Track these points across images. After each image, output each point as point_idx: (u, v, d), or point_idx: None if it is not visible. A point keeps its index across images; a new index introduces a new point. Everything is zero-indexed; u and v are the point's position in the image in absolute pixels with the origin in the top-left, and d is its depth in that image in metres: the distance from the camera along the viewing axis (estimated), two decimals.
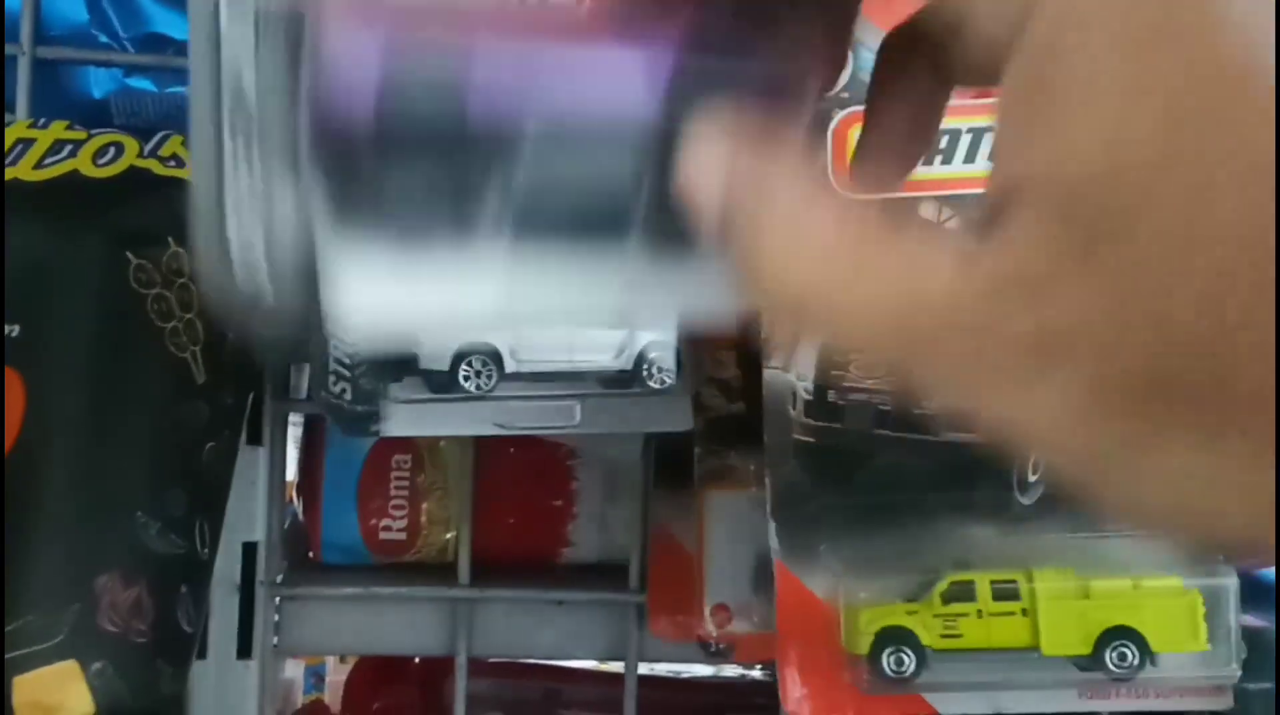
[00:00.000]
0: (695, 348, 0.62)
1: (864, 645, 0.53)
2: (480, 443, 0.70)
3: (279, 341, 0.57)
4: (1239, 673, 0.53)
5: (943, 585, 0.53)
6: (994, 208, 0.23)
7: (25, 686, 0.47)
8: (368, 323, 0.30)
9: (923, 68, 0.26)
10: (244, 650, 0.66)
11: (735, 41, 0.30)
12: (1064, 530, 0.53)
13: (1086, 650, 0.52)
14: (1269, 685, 0.58)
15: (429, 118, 0.29)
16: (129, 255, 0.53)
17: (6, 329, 0.51)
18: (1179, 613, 0.52)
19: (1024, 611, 0.53)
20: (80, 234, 0.53)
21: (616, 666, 0.92)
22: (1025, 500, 0.53)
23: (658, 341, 0.61)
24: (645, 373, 0.60)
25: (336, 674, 1.21)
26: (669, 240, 0.29)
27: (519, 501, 0.73)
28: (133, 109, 0.70)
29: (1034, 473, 0.53)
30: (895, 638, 0.53)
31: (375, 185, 0.30)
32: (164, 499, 0.52)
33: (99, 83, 0.70)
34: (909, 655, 0.53)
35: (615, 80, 0.30)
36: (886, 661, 0.53)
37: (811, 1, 0.30)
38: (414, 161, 0.30)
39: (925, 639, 0.53)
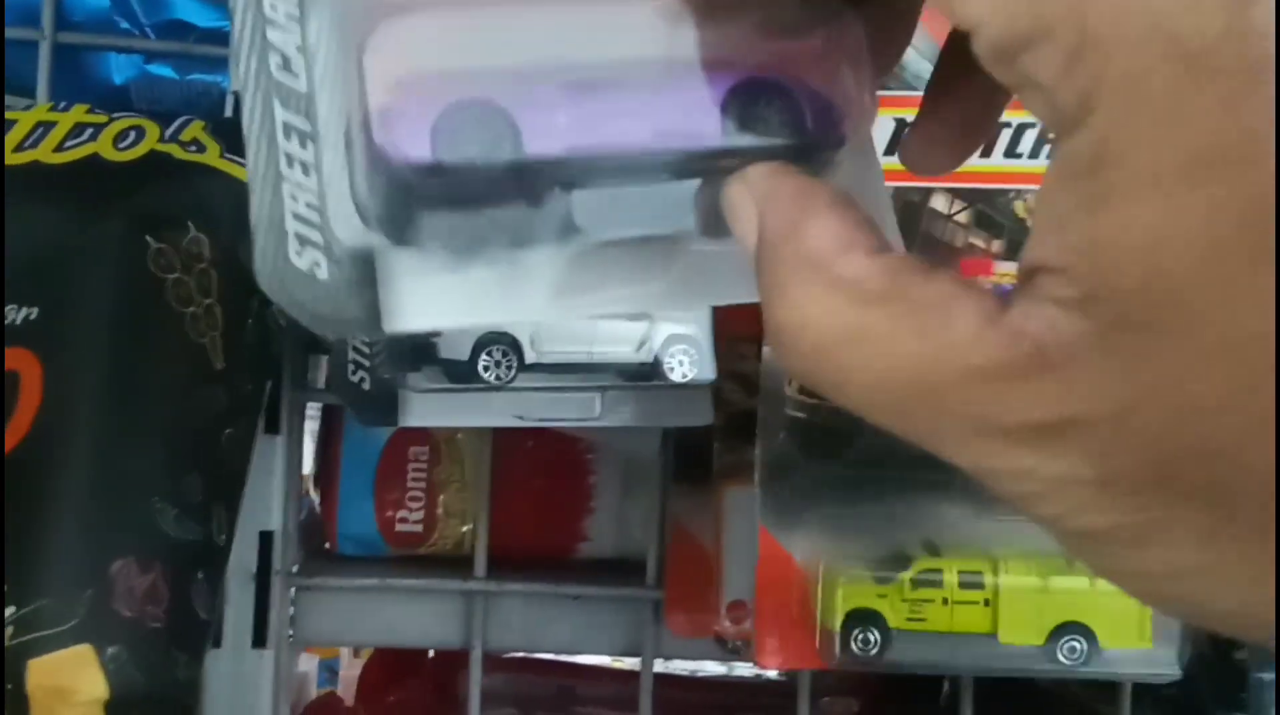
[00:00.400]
0: (716, 342, 0.62)
1: (836, 622, 0.56)
2: (498, 435, 0.69)
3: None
4: (1179, 672, 0.56)
5: (913, 572, 0.56)
6: (1026, 275, 0.23)
7: (40, 669, 0.47)
8: (423, 327, 0.31)
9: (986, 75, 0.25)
10: (259, 640, 0.65)
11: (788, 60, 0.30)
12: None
13: (1040, 641, 0.56)
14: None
15: (482, 157, 0.30)
16: (149, 239, 0.52)
17: (25, 311, 0.50)
18: (1128, 612, 0.56)
19: (986, 601, 0.56)
20: (100, 217, 0.52)
21: (630, 664, 0.92)
22: None
23: (679, 334, 0.61)
24: (666, 366, 0.60)
25: (350, 669, 1.21)
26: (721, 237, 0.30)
27: (536, 495, 0.72)
28: (153, 95, 0.70)
29: None
30: (865, 618, 0.56)
31: (430, 210, 0.31)
32: (181, 484, 0.51)
33: (120, 69, 0.70)
34: (875, 635, 0.56)
35: (673, 104, 0.30)
36: (855, 640, 0.56)
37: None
38: (468, 192, 0.31)
39: (892, 620, 0.56)
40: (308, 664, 1.05)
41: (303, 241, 0.32)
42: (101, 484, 0.49)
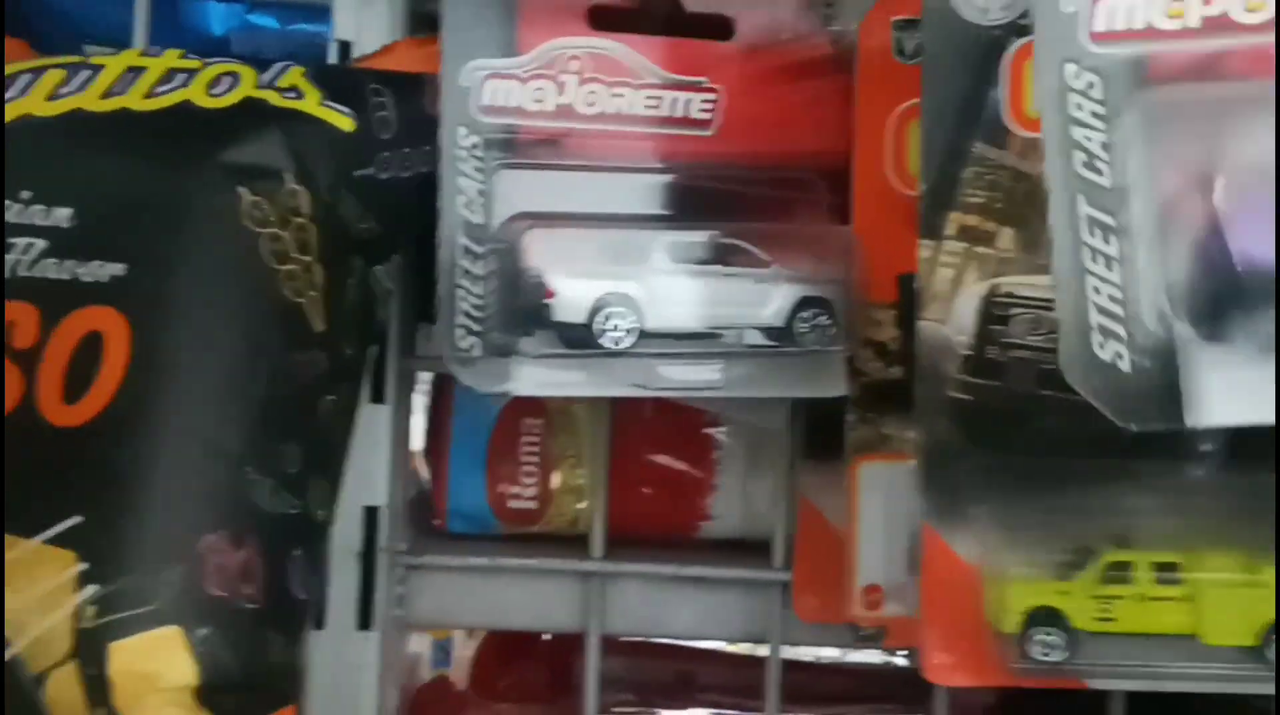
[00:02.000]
0: (851, 306, 0.57)
1: (1012, 624, 0.50)
2: (616, 407, 0.65)
3: None
4: None
5: (1100, 565, 0.50)
6: None
7: (123, 653, 0.43)
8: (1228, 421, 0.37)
9: None
10: (364, 621, 0.62)
11: None
12: (1238, 508, 0.49)
13: (1252, 641, 0.49)
14: None
15: None
16: (242, 191, 0.49)
17: (111, 268, 0.47)
18: None
19: (1186, 597, 0.49)
20: (191, 168, 0.49)
21: (747, 649, 0.88)
22: (1199, 471, 0.49)
23: (811, 297, 0.56)
24: (797, 331, 0.55)
25: (464, 649, 1.19)
26: None
27: (655, 471, 0.68)
28: (254, 46, 0.66)
29: (1209, 442, 0.48)
30: (1045, 618, 0.50)
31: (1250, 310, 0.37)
32: (276, 454, 0.48)
33: (220, 18, 0.66)
34: (1060, 638, 0.50)
35: None
36: (1034, 644, 0.50)
37: None
38: None
39: (1077, 620, 0.50)
40: (420, 645, 1.02)
41: (1106, 333, 0.36)
42: (191, 453, 0.46)
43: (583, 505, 0.68)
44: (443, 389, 0.69)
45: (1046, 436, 0.49)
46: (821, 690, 0.84)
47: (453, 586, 0.67)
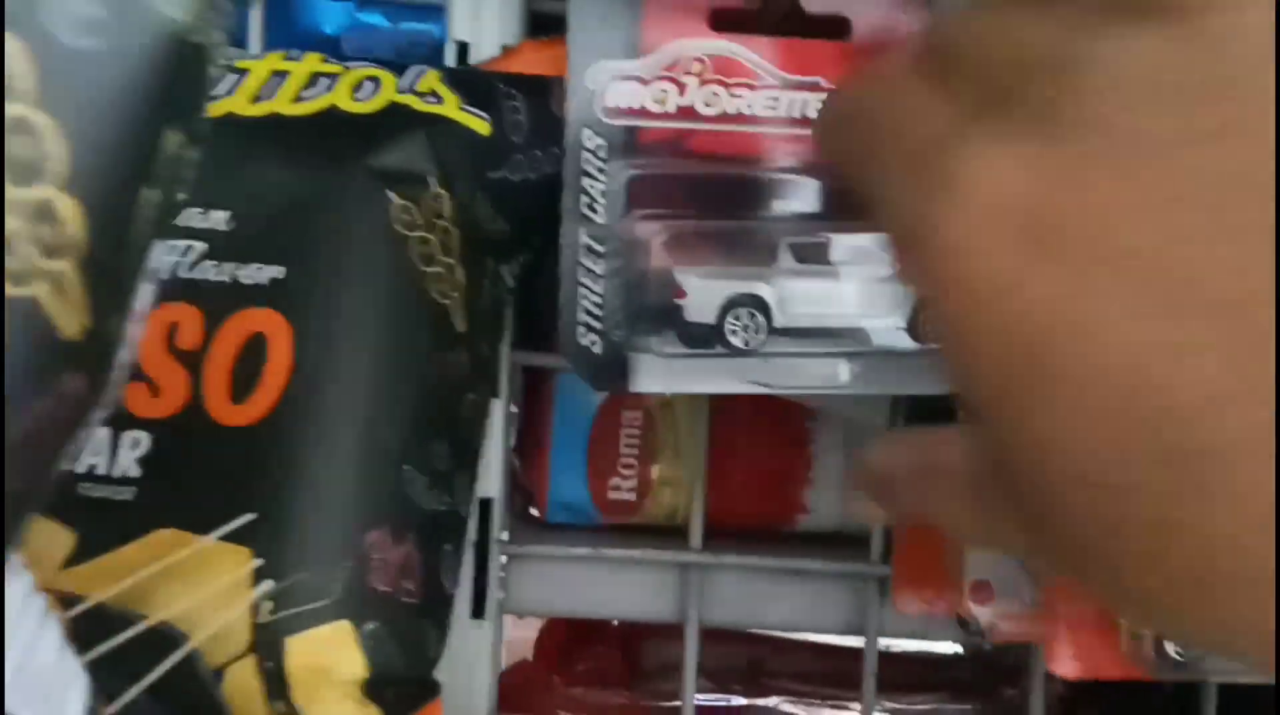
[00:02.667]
0: None
1: None
2: (714, 401, 0.66)
3: None
4: None
5: None
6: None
7: (299, 647, 0.44)
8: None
9: None
10: (478, 610, 0.63)
11: None
12: None
13: None
14: None
15: None
16: (392, 195, 0.50)
17: (271, 271, 0.48)
18: None
19: None
20: (342, 171, 0.50)
21: (819, 638, 0.89)
22: None
23: None
24: (922, 329, 0.56)
25: (517, 629, 1.20)
26: None
27: (753, 464, 0.69)
28: (364, 44, 0.67)
29: None
30: None
31: None
32: (429, 452, 0.49)
33: (330, 17, 0.67)
34: None
35: None
36: (1172, 645, 0.51)
37: None
38: None
39: None
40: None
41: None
42: (355, 451, 0.47)
43: (681, 497, 0.69)
44: (540, 383, 0.71)
45: None
46: (894, 679, 0.85)
47: (553, 576, 0.68)
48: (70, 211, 0.25)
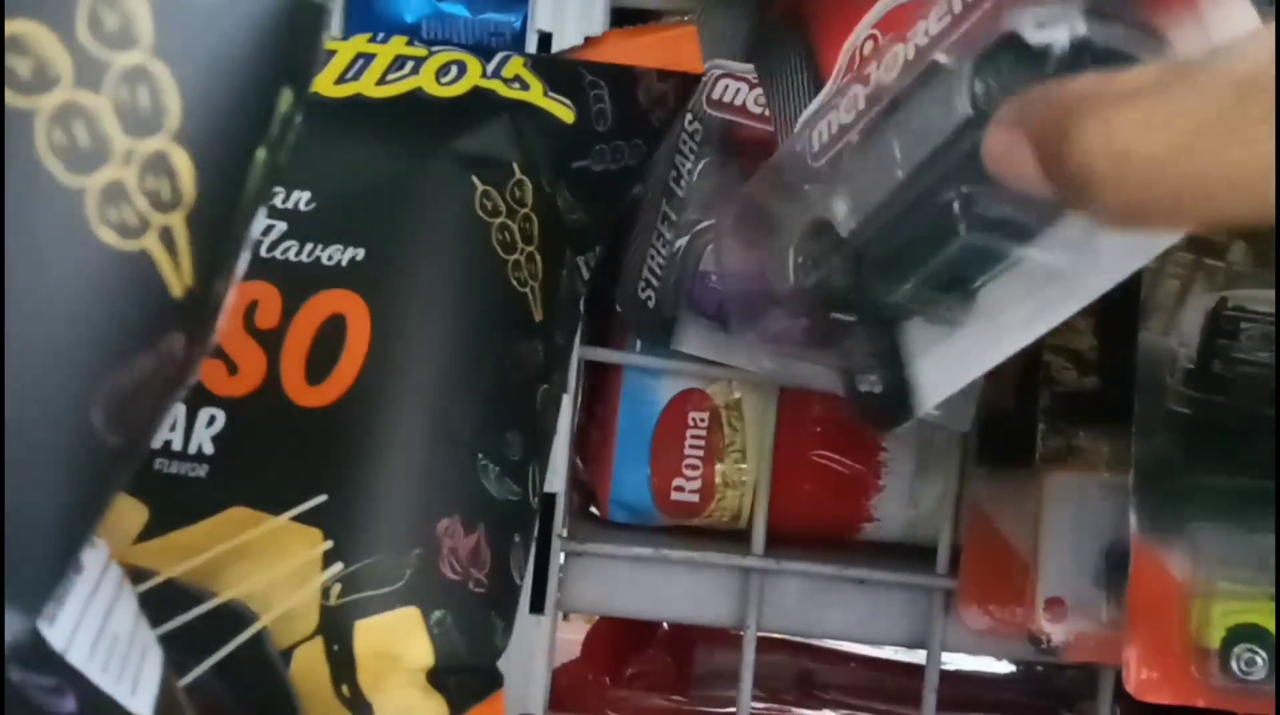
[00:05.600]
0: None
1: (1215, 639, 0.50)
2: (783, 402, 0.66)
3: None
4: None
5: None
6: None
7: (368, 632, 0.44)
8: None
9: None
10: (536, 605, 0.63)
11: None
12: None
13: None
14: None
15: None
16: (475, 180, 0.49)
17: (352, 252, 0.48)
18: None
19: None
20: (427, 155, 0.49)
21: (871, 651, 0.88)
22: None
23: None
24: None
25: (562, 631, 1.19)
26: None
27: (820, 469, 0.68)
28: (445, 33, 0.66)
29: None
30: (1249, 635, 0.50)
31: None
32: (503, 442, 0.48)
33: (411, 6, 0.67)
34: (1262, 656, 0.49)
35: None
36: (1237, 660, 0.50)
37: None
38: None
39: None
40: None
41: None
42: (430, 437, 0.46)
43: (745, 500, 0.68)
44: (606, 380, 0.70)
45: (1271, 456, 0.49)
46: (945, 696, 0.84)
47: (612, 574, 0.68)
48: (183, 165, 0.24)
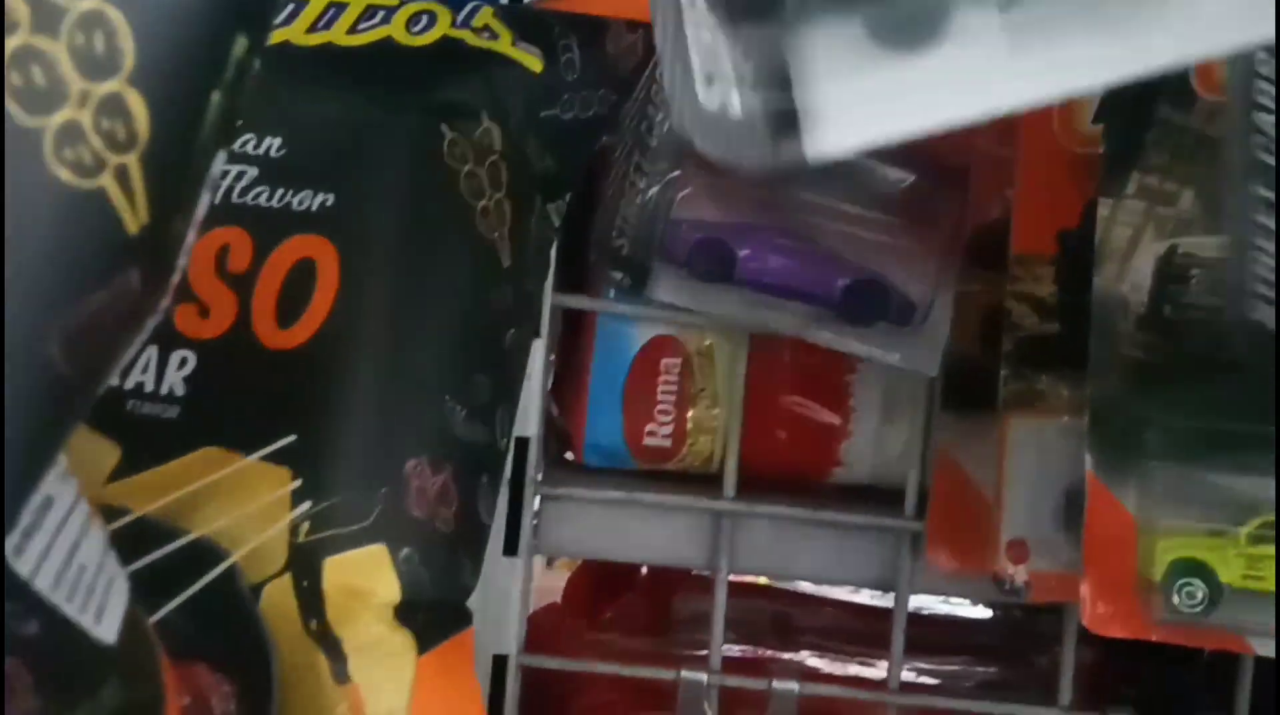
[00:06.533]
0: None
1: (1158, 573, 0.51)
2: (754, 350, 0.67)
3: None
4: None
5: (1255, 523, 0.50)
6: None
7: (337, 568, 0.45)
8: (844, 126, 0.27)
9: None
10: (510, 547, 0.64)
11: None
12: None
13: None
14: None
15: None
16: (444, 128, 0.50)
17: (321, 197, 0.49)
18: None
19: None
20: (396, 104, 0.50)
21: (847, 596, 0.90)
22: None
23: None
24: None
25: (544, 579, 1.20)
26: None
27: (790, 415, 0.69)
28: None
29: None
30: (1190, 570, 0.51)
31: None
32: (470, 384, 0.49)
33: None
34: (1203, 590, 0.51)
35: None
36: (1178, 593, 0.51)
37: None
38: None
39: (1224, 575, 0.50)
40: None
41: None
42: (398, 379, 0.47)
43: (716, 445, 0.69)
44: (581, 328, 0.71)
45: (1219, 399, 0.50)
46: (923, 639, 0.86)
47: (586, 518, 0.69)
48: (138, 107, 0.25)
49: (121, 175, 0.25)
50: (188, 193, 0.28)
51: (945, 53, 0.27)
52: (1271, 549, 0.50)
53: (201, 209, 0.29)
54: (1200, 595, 0.50)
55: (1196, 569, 0.51)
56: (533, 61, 0.53)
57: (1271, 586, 0.50)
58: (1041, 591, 0.59)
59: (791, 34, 0.27)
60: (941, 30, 0.27)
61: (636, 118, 0.62)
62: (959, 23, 0.27)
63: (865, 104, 0.27)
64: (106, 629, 0.31)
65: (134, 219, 0.26)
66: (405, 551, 0.46)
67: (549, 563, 1.24)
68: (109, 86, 0.25)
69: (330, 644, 0.45)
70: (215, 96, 0.27)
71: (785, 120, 0.27)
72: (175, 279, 0.29)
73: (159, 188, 0.26)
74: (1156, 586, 0.51)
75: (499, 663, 0.65)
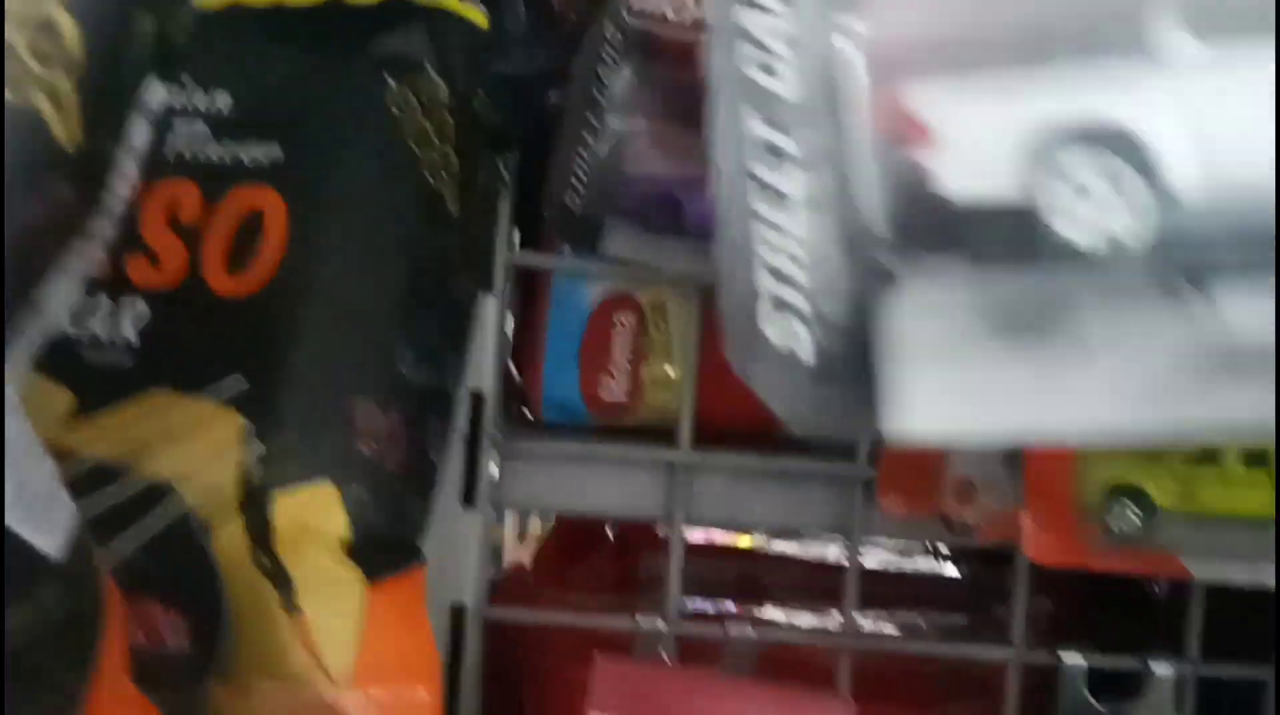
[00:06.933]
0: None
1: (1092, 496, 0.52)
2: (707, 304, 0.68)
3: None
4: None
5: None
6: None
7: (287, 505, 0.46)
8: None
9: None
10: (469, 498, 0.65)
11: None
12: None
13: None
14: None
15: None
16: (390, 80, 0.51)
17: (269, 149, 0.50)
18: None
19: (1271, 481, 0.50)
20: (343, 58, 0.51)
21: (813, 555, 0.91)
22: None
23: None
24: None
25: (515, 550, 1.21)
26: None
27: None
28: None
29: None
30: (1125, 492, 0.51)
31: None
32: (419, 328, 0.50)
33: None
34: (1137, 513, 0.51)
35: None
36: (1113, 516, 0.51)
37: None
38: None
39: (1158, 498, 0.51)
40: None
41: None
42: (345, 323, 0.49)
43: (672, 399, 0.70)
44: (537, 285, 0.72)
45: None
46: (888, 594, 0.87)
47: (545, 473, 0.70)
48: (69, 28, 0.26)
49: (53, 92, 0.26)
50: (119, 114, 0.29)
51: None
52: (1205, 469, 0.51)
53: (138, 137, 0.31)
54: (1135, 518, 0.51)
55: (1129, 491, 0.51)
56: (478, 16, 0.54)
57: (1205, 507, 0.51)
58: (989, 530, 0.60)
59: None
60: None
61: (588, 76, 0.63)
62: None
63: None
64: (52, 543, 0.32)
65: (67, 136, 0.27)
66: (353, 489, 0.48)
67: (520, 537, 1.25)
68: (42, 10, 0.26)
69: (280, 577, 0.46)
70: (146, 20, 0.28)
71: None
72: (110, 201, 0.30)
73: (92, 106, 0.27)
74: (1093, 511, 0.52)
75: (457, 614, 0.66)
